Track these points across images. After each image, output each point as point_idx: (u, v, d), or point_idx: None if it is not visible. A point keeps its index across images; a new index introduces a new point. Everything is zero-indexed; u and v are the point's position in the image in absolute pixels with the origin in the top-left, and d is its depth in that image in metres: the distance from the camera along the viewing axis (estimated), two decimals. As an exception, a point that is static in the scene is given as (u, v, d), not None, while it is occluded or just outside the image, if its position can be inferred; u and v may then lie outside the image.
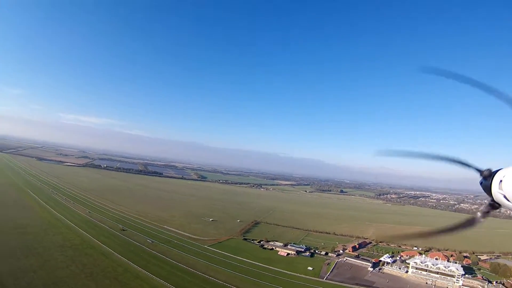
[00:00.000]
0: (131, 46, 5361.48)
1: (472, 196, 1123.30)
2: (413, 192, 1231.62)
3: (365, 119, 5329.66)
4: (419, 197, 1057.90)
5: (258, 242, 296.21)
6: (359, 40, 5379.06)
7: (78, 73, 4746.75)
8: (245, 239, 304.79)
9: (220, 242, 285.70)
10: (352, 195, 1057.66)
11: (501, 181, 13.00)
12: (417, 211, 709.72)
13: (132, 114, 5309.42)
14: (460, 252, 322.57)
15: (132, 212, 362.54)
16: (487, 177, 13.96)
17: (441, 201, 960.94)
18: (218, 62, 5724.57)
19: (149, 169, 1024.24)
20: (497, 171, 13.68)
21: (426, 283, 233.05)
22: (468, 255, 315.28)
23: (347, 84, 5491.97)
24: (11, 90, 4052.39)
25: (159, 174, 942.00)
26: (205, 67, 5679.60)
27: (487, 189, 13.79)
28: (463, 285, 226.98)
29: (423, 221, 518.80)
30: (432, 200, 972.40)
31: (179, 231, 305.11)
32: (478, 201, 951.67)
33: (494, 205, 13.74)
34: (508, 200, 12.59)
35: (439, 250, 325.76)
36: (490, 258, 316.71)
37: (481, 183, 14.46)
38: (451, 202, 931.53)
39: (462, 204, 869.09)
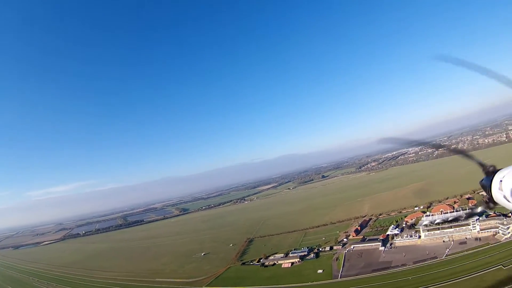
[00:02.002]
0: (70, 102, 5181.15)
1: (445, 138, 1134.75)
2: (390, 154, 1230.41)
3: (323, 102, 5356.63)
4: (398, 157, 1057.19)
5: (258, 262, 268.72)
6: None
7: (30, 147, 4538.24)
8: (243, 263, 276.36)
9: (218, 276, 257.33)
10: (334, 176, 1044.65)
11: (501, 181, 13.03)
12: (402, 170, 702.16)
13: (99, 170, 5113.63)
14: (461, 196, 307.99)
15: (121, 274, 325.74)
16: (490, 174, 13.97)
17: (419, 153, 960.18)
18: (164, 88, 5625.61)
19: (129, 220, 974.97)
20: (497, 171, 13.81)
21: (443, 241, 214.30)
22: (470, 196, 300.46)
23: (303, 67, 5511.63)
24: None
25: (140, 222, 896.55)
26: (144, 99, 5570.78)
27: (487, 189, 13.88)
28: (481, 229, 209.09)
29: (415, 177, 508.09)
30: (411, 155, 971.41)
31: (172, 280, 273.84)
32: (453, 140, 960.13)
33: (489, 204, 14.09)
34: (508, 201, 12.60)
35: (440, 202, 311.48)
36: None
37: (481, 183, 14.62)
38: (429, 150, 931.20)
39: (440, 149, 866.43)
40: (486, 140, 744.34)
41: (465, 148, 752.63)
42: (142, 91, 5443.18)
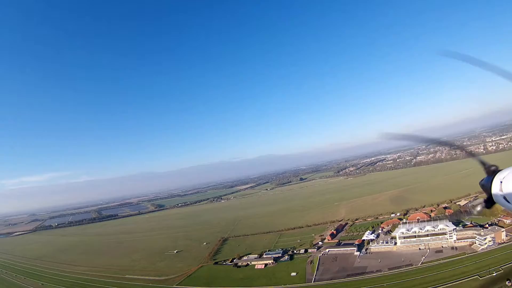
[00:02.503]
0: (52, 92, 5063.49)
1: (424, 147, 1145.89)
2: (369, 159, 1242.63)
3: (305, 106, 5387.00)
4: (376, 162, 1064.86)
5: (231, 262, 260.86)
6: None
7: (4, 135, 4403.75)
8: (216, 263, 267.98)
9: (190, 275, 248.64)
10: (312, 179, 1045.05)
11: (501, 182, 13.24)
12: (380, 177, 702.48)
13: (75, 161, 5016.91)
14: (438, 205, 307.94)
15: (90, 269, 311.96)
16: (491, 173, 14.13)
17: (398, 160, 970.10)
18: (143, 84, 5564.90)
19: (103, 214, 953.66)
20: (497, 172, 13.97)
21: (419, 249, 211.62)
22: (447, 205, 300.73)
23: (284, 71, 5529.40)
24: None
25: (114, 217, 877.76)
26: (132, 92, 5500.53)
27: (487, 189, 14.07)
28: (457, 239, 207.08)
29: (392, 184, 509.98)
30: (389, 162, 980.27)
31: (142, 277, 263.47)
32: (431, 149, 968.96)
33: (487, 204, 14.22)
34: (508, 202, 12.80)
35: (416, 210, 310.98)
36: (469, 201, 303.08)
37: (481, 183, 14.85)
38: (407, 158, 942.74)
39: (419, 157, 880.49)
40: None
41: (450, 154, 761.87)
42: (123, 83, 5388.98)
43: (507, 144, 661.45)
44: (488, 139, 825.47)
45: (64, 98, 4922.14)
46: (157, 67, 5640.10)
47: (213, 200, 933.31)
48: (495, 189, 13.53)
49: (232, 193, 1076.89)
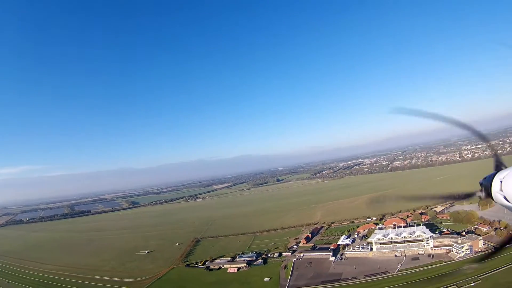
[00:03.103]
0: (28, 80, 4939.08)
1: (399, 152, 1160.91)
2: (345, 163, 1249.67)
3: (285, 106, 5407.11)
4: (353, 166, 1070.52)
5: (203, 264, 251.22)
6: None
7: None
8: (188, 265, 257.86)
9: (160, 277, 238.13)
10: (289, 181, 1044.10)
11: (501, 182, 13.88)
12: (356, 181, 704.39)
13: (50, 155, 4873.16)
14: (414, 211, 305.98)
15: (58, 268, 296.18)
16: (497, 168, 15.24)
17: (374, 164, 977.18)
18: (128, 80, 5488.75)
19: (75, 210, 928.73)
20: (497, 171, 14.71)
21: (396, 255, 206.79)
22: (423, 211, 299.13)
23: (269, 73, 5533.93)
24: None
25: (87, 213, 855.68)
26: (112, 87, 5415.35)
27: (487, 189, 14.79)
28: (434, 246, 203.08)
29: (368, 188, 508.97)
30: (366, 166, 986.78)
31: (110, 278, 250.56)
32: (408, 155, 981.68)
33: (483, 194, 15.50)
34: (508, 201, 13.44)
35: (393, 215, 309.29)
36: (445, 208, 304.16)
37: (481, 182, 15.64)
38: (383, 163, 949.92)
39: (395, 163, 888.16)
40: (440, 158, 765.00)
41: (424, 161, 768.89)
42: (103, 75, 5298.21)
43: (482, 153, 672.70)
44: (463, 148, 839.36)
45: (39, 89, 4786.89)
46: (139, 63, 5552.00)
47: (189, 199, 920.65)
48: (495, 188, 14.08)
49: (208, 192, 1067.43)
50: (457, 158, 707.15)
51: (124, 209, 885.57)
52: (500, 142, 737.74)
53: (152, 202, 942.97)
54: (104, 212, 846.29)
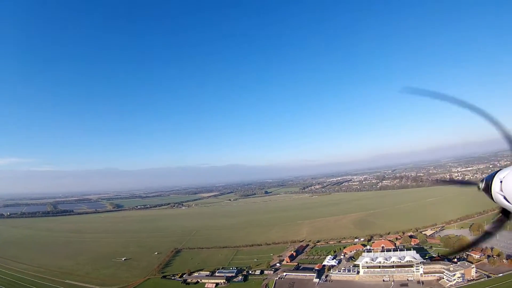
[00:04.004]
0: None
1: (390, 171, 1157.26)
2: (335, 179, 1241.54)
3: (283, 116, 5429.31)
4: (342, 183, 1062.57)
5: (180, 277, 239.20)
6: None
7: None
8: (164, 277, 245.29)
9: (134, 287, 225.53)
10: (277, 194, 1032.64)
11: (501, 182, 13.69)
12: (345, 198, 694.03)
13: (38, 149, 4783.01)
14: (403, 233, 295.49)
15: (32, 268, 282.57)
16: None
17: (364, 182, 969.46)
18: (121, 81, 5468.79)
19: (58, 208, 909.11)
20: (497, 171, 14.41)
21: (383, 280, 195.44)
22: (413, 234, 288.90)
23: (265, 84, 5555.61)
24: None
25: (69, 212, 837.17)
26: (109, 88, 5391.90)
27: (487, 189, 14.56)
28: (424, 272, 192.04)
29: (357, 207, 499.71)
30: (355, 183, 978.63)
31: (83, 284, 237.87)
32: (398, 174, 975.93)
33: (504, 216, 15.22)
34: (508, 202, 13.31)
35: (381, 236, 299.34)
36: (436, 232, 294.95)
37: (481, 182, 15.51)
38: (373, 181, 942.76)
39: (384, 181, 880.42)
40: (430, 179, 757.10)
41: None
42: (99, 72, 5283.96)
43: (472, 176, 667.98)
44: (454, 169, 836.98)
45: (30, 82, 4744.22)
46: (135, 63, 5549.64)
47: (174, 206, 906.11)
48: (495, 188, 13.86)
49: (195, 200, 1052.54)
50: (447, 179, 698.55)
51: (107, 211, 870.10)
52: (491, 166, 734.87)
53: (136, 207, 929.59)
54: (87, 213, 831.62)
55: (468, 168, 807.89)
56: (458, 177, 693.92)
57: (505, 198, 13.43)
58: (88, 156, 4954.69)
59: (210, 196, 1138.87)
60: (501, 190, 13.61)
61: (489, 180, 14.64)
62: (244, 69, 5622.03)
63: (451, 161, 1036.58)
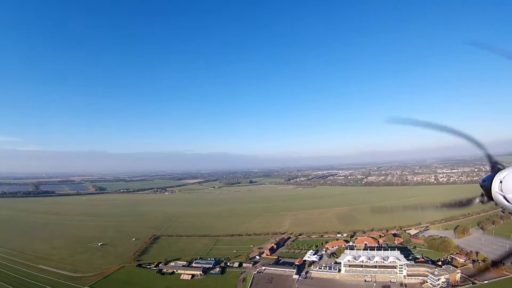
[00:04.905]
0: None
1: (375, 168, 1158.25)
2: (320, 172, 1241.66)
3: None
4: (328, 176, 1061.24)
5: (156, 266, 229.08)
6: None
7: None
8: (140, 265, 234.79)
9: (107, 276, 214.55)
10: (262, 184, 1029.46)
11: (501, 182, 13.71)
12: (330, 192, 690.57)
13: (24, 127, 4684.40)
14: (387, 231, 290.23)
15: (5, 251, 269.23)
16: (494, 168, 14.94)
17: (349, 177, 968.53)
18: (108, 63, 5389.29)
19: (40, 189, 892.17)
20: (497, 171, 14.44)
21: (365, 280, 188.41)
22: (397, 232, 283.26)
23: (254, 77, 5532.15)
24: None
25: (51, 193, 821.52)
26: (96, 69, 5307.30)
27: (487, 189, 14.57)
28: (408, 275, 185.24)
29: (341, 201, 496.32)
30: (340, 178, 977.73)
31: (56, 270, 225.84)
32: (383, 171, 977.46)
33: (484, 198, 15.19)
34: (508, 202, 13.25)
35: (364, 233, 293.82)
36: (420, 231, 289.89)
37: (480, 183, 15.41)
38: (358, 176, 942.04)
39: (370, 178, 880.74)
40: (415, 178, 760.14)
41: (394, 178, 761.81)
42: (85, 52, 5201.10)
43: (458, 178, 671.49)
44: (439, 171, 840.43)
45: (15, 60, 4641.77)
46: (128, 46, 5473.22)
47: (157, 191, 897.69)
48: (495, 188, 13.84)
49: (179, 186, 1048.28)
50: (432, 180, 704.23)
51: (90, 194, 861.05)
52: (476, 170, 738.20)
53: (119, 190, 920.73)
54: (69, 195, 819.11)
55: (454, 170, 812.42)
56: (443, 179, 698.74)
57: (505, 198, 13.27)
58: (76, 137, 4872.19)
59: (194, 183, 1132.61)
60: (501, 190, 13.46)
61: (487, 184, 14.47)
62: (234, 58, 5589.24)
63: (437, 162, 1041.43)
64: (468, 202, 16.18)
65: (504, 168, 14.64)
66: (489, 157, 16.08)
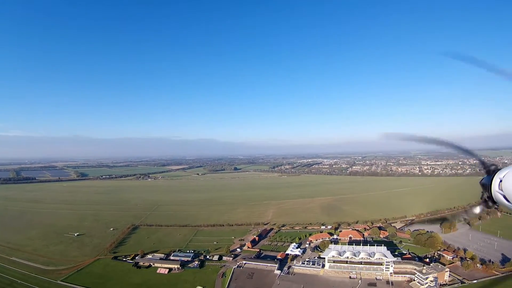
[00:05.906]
0: None
1: (360, 157, 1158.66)
2: (305, 160, 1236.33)
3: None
4: (312, 165, 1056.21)
5: (132, 259, 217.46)
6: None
7: None
8: (116, 257, 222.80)
9: (81, 269, 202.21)
10: (247, 171, 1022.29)
11: (501, 181, 13.75)
12: (314, 180, 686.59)
13: (8, 113, 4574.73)
14: (372, 223, 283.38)
15: None
16: (491, 173, 14.68)
17: (334, 166, 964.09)
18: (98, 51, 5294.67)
19: (21, 176, 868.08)
20: (497, 170, 14.47)
21: (350, 277, 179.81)
22: (382, 225, 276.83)
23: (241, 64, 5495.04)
24: None
25: (31, 180, 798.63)
26: (83, 56, 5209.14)
27: (487, 188, 14.50)
28: (394, 272, 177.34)
29: (326, 190, 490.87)
30: (325, 166, 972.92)
31: (28, 263, 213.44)
32: (367, 161, 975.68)
33: (488, 203, 14.74)
34: (508, 201, 13.30)
35: (349, 225, 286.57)
36: (405, 225, 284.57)
37: (481, 182, 15.21)
38: (343, 166, 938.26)
39: (354, 167, 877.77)
40: (400, 169, 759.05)
41: (381, 169, 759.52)
42: (71, 41, 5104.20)
43: (442, 170, 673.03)
44: (423, 162, 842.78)
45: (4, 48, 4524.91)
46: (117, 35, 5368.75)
47: (140, 177, 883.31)
48: (495, 187, 13.93)
49: (162, 172, 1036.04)
50: (417, 171, 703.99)
51: (71, 180, 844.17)
52: (460, 163, 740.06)
53: (101, 176, 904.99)
54: (50, 181, 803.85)
55: (438, 162, 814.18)
56: (427, 171, 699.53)
57: (504, 197, 13.32)
58: (59, 123, 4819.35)
59: (178, 169, 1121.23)
60: (501, 189, 13.51)
61: (486, 182, 14.46)
62: (226, 48, 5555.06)
63: (421, 154, 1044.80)
64: (466, 213, 16.56)
65: (496, 166, 14.65)
66: (483, 163, 15.45)
